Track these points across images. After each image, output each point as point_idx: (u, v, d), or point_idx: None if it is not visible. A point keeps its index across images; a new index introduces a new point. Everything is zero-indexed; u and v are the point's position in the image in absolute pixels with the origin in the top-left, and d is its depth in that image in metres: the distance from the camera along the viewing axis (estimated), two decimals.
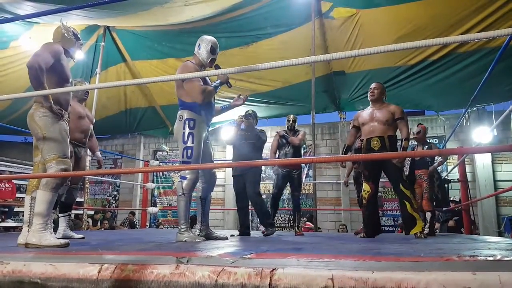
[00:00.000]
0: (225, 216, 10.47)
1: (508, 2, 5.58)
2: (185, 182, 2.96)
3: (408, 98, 7.71)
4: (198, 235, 3.13)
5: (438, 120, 9.19)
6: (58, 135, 2.52)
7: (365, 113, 4.04)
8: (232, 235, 4.16)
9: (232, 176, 4.72)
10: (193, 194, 3.13)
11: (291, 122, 4.97)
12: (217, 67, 3.21)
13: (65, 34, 2.78)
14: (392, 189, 8.34)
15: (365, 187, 3.93)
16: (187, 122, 3.01)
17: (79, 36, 2.91)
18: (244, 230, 4.53)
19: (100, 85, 7.06)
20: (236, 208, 4.77)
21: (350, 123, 4.51)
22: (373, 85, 4.06)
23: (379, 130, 3.85)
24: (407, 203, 3.69)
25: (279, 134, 4.93)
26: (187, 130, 3.00)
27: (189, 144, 2.98)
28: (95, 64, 8.03)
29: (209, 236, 3.18)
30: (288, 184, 4.86)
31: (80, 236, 3.60)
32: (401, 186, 3.74)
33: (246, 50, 7.54)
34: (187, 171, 2.98)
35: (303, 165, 7.57)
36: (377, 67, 7.27)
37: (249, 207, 4.71)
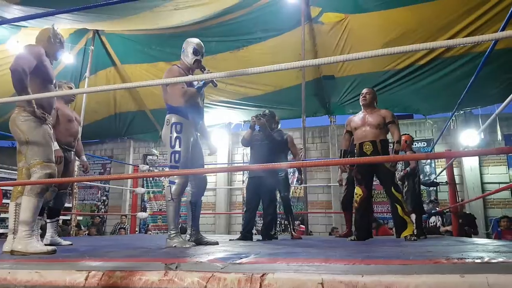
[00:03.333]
0: (216, 220, 10.42)
1: (493, 8, 5.69)
2: (173, 187, 2.93)
3: (397, 102, 7.79)
4: (189, 240, 3.10)
5: (426, 123, 9.29)
6: (42, 139, 2.47)
7: (357, 117, 4.08)
8: (230, 240, 4.11)
9: (248, 178, 4.61)
10: (183, 199, 3.09)
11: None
12: (203, 69, 3.19)
13: (51, 39, 2.74)
14: (382, 192, 8.43)
15: (357, 190, 3.95)
16: (174, 126, 2.99)
17: (64, 44, 2.87)
18: (246, 233, 4.30)
19: (89, 89, 7.00)
20: (243, 211, 4.61)
21: (340, 126, 4.56)
22: (365, 90, 4.10)
23: (371, 135, 3.89)
24: (398, 206, 3.73)
25: None
26: (174, 134, 2.97)
27: (177, 148, 2.96)
28: (84, 68, 7.97)
29: (199, 241, 3.14)
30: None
31: (68, 242, 3.54)
32: (392, 189, 3.78)
33: (237, 54, 7.55)
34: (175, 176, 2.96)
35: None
36: (366, 71, 7.34)
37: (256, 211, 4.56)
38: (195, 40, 3.20)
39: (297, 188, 9.53)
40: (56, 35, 2.77)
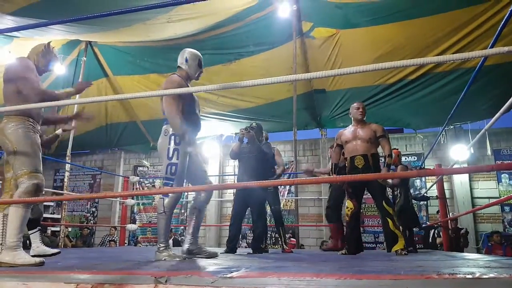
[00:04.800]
0: (206, 233, 10.34)
1: (481, 26, 5.81)
2: (166, 200, 2.87)
3: (387, 116, 7.86)
4: (187, 248, 2.99)
5: (416, 138, 9.38)
6: (30, 149, 2.45)
7: (347, 131, 4.09)
8: (221, 253, 4.04)
9: (236, 189, 4.57)
10: (193, 206, 3.08)
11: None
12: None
13: (41, 57, 2.76)
14: (372, 206, 8.45)
15: (349, 204, 3.95)
16: (172, 137, 2.90)
17: (56, 59, 2.90)
18: (231, 247, 4.26)
19: (81, 100, 6.95)
20: (229, 224, 4.53)
21: (331, 140, 4.60)
22: (359, 105, 4.12)
23: (362, 148, 3.91)
24: (389, 220, 3.72)
25: None
26: (172, 146, 2.89)
27: (174, 160, 2.88)
28: (76, 79, 7.95)
29: (199, 252, 3.05)
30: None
31: (56, 250, 3.46)
32: (384, 203, 3.78)
33: (229, 67, 7.60)
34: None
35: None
36: (357, 85, 7.42)
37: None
38: (198, 52, 3.19)
39: (288, 201, 9.51)
40: (50, 52, 2.79)
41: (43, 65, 2.77)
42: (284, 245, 4.66)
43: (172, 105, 2.88)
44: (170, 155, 2.89)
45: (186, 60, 3.14)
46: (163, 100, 2.95)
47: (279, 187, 4.75)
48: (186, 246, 3.03)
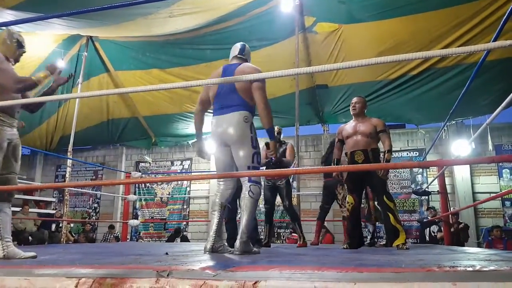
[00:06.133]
0: (209, 229, 10.36)
1: (484, 20, 5.78)
2: (256, 188, 2.78)
3: (389, 112, 7.85)
4: (211, 246, 2.83)
5: (418, 133, 9.36)
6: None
7: (348, 126, 4.09)
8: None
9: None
10: (216, 201, 2.94)
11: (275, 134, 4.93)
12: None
13: (7, 41, 2.63)
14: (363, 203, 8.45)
15: (349, 199, 3.96)
16: (252, 126, 2.82)
17: (23, 44, 2.71)
18: (233, 243, 4.25)
19: (83, 94, 6.95)
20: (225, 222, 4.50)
21: (333, 135, 4.61)
22: (354, 99, 4.12)
23: (362, 143, 3.91)
24: (390, 215, 3.74)
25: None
26: (254, 135, 2.82)
27: (258, 149, 2.82)
28: (77, 74, 7.93)
29: (223, 250, 2.86)
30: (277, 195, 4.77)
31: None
32: (384, 198, 3.79)
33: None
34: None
35: None
36: (359, 81, 7.40)
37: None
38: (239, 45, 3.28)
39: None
40: (12, 35, 2.66)
41: (12, 52, 2.64)
42: (299, 240, 4.71)
43: (265, 95, 2.84)
44: (254, 143, 2.82)
45: (247, 53, 3.25)
46: (259, 89, 2.83)
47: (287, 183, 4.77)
48: (209, 244, 2.83)
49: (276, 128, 4.79)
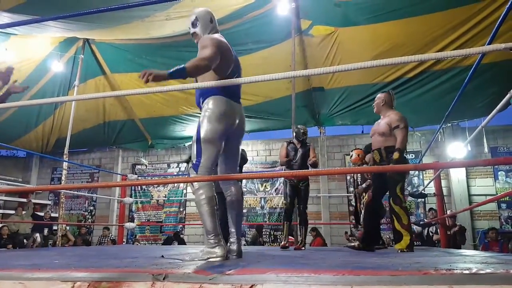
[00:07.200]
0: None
1: (478, 24, 5.82)
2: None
3: None
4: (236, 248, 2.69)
5: (414, 135, 9.39)
6: None
7: (374, 125, 4.07)
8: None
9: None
10: (228, 199, 2.79)
11: (301, 133, 4.89)
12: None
13: None
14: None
15: (367, 195, 4.01)
16: None
17: None
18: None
19: (79, 97, 6.94)
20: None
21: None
22: (380, 94, 4.12)
23: (377, 143, 3.87)
24: (394, 218, 3.67)
25: (287, 143, 4.92)
26: None
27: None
28: (74, 77, 7.92)
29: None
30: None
31: None
32: (391, 200, 3.70)
33: None
34: None
35: None
36: (355, 83, 7.42)
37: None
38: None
39: None
40: None
41: None
42: (301, 245, 4.68)
43: None
44: None
45: None
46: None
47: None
48: (234, 246, 2.72)
49: (301, 128, 4.89)
